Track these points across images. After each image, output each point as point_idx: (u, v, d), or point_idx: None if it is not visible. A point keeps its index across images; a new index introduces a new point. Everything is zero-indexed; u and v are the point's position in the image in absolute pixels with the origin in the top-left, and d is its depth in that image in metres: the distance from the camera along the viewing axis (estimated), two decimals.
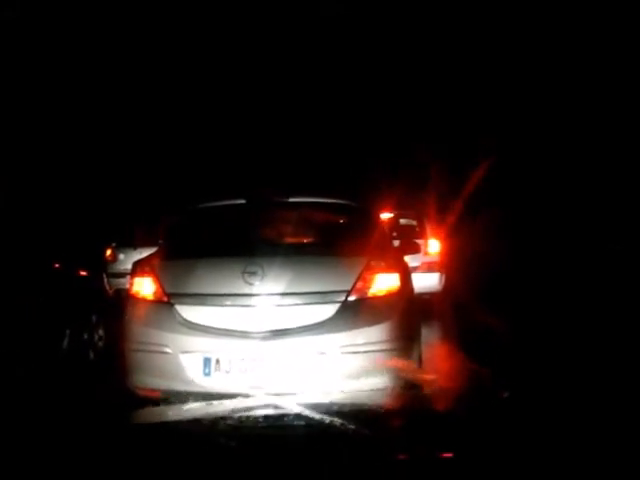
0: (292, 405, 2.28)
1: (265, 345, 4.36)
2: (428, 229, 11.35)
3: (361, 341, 4.38)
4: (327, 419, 2.10)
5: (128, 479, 1.81)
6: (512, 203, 19.16)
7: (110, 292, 11.13)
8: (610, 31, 17.43)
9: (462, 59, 19.40)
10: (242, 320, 4.44)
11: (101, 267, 12.33)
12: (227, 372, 4.36)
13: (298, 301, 4.47)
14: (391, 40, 19.28)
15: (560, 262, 15.00)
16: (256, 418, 2.20)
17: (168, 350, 4.46)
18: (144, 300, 4.71)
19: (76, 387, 5.30)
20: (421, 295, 7.67)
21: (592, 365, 5.60)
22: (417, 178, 16.53)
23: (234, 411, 2.29)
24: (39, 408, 3.62)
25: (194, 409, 2.80)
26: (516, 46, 18.65)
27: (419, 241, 8.02)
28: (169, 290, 4.61)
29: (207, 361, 4.38)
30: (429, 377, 4.62)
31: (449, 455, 1.92)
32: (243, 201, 5.29)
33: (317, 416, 2.13)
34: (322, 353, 4.35)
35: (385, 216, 8.70)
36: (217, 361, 4.37)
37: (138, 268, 4.88)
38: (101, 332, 7.90)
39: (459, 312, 9.12)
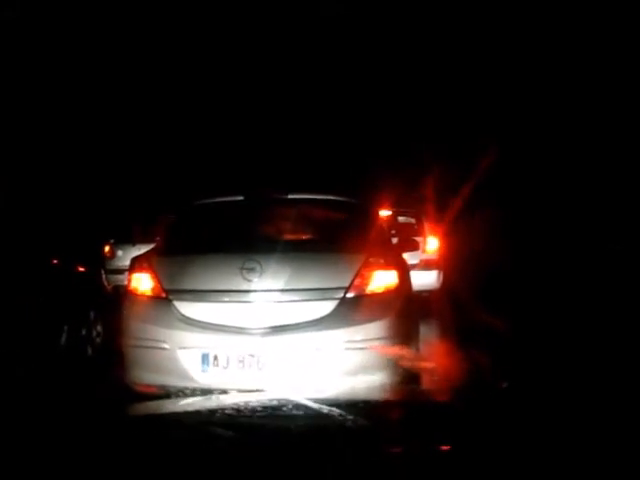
0: (290, 399, 2.28)
1: (263, 341, 4.37)
2: (426, 227, 11.36)
3: (359, 337, 4.39)
4: (325, 413, 2.10)
5: (126, 473, 1.81)
6: (511, 202, 19.18)
7: (108, 288, 11.14)
8: (610, 31, 17.43)
9: (462, 58, 19.39)
10: (240, 316, 4.45)
11: (99, 263, 12.32)
12: (225, 368, 4.37)
13: (296, 297, 4.48)
14: (391, 40, 19.29)
15: (559, 261, 15.01)
16: (253, 410, 2.20)
17: (166, 346, 4.47)
18: (142, 296, 4.72)
19: (74, 383, 5.30)
20: (419, 293, 7.68)
21: (590, 360, 5.61)
22: (416, 176, 16.53)
23: (231, 404, 2.30)
24: (37, 404, 3.62)
25: (191, 403, 2.81)
26: (516, 46, 18.65)
27: (417, 239, 8.03)
28: (167, 286, 4.62)
29: (205, 357, 4.38)
30: (427, 372, 4.63)
31: (447, 448, 1.92)
32: (241, 198, 5.31)
33: (315, 409, 2.14)
34: (320, 349, 4.36)
35: (384, 214, 8.71)
36: (215, 357, 4.38)
37: (136, 264, 4.89)
38: (99, 328, 7.91)
39: (457, 309, 9.13)
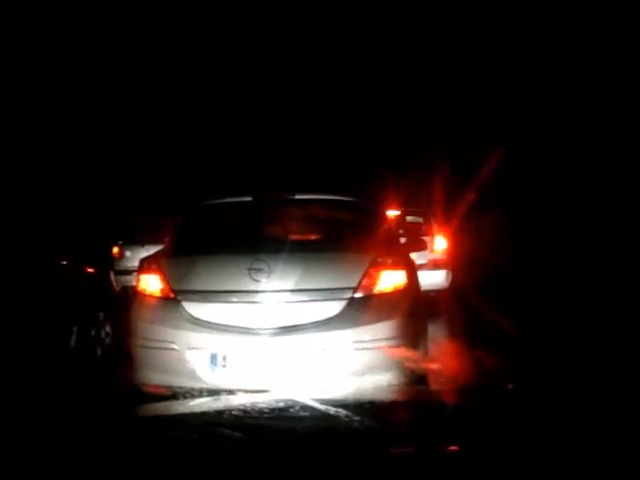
0: (297, 400, 2.29)
1: (271, 341, 4.38)
2: (435, 226, 11.34)
3: (368, 338, 4.38)
4: (332, 413, 2.10)
5: (134, 474, 1.82)
6: (512, 202, 19.14)
7: (117, 289, 11.17)
8: (610, 30, 17.36)
9: (466, 54, 19.32)
10: (248, 317, 4.46)
11: (108, 264, 12.36)
12: (233, 368, 4.38)
13: (304, 298, 4.49)
14: (391, 40, 19.24)
15: (560, 262, 14.97)
16: (261, 411, 2.21)
17: (175, 346, 4.48)
18: (151, 297, 4.73)
19: (84, 383, 5.32)
20: (427, 292, 7.66)
21: (597, 361, 5.59)
22: (424, 176, 16.51)
23: (239, 405, 2.30)
24: (46, 404, 3.64)
25: (199, 404, 2.81)
26: (522, 44, 18.58)
27: (426, 238, 8.01)
28: (176, 287, 4.63)
29: (213, 357, 4.39)
30: (435, 372, 4.62)
31: (455, 448, 1.92)
32: (249, 198, 5.31)
33: (322, 410, 2.14)
34: (328, 350, 4.36)
35: (392, 213, 8.70)
36: (223, 357, 4.39)
37: (145, 265, 4.90)
38: (108, 329, 7.93)
39: (465, 309, 9.11)
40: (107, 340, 7.91)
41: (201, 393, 3.88)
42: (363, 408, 2.21)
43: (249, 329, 4.43)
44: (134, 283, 5.06)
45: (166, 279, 4.66)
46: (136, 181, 18.08)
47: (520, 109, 19.66)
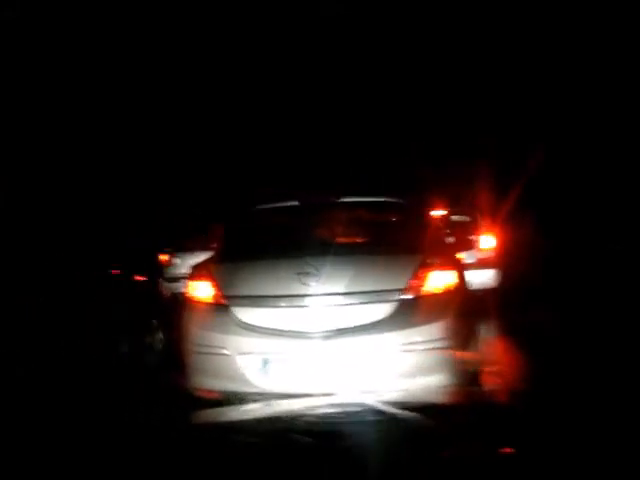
0: (353, 402, 2.29)
1: (322, 345, 4.39)
2: (482, 225, 11.21)
3: (418, 339, 4.37)
4: (387, 414, 2.10)
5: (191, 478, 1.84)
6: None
7: (166, 296, 11.32)
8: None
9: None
10: (298, 321, 4.49)
11: (157, 272, 12.53)
12: (284, 372, 4.40)
13: (353, 300, 4.49)
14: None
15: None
16: (319, 415, 2.22)
17: (226, 352, 4.53)
18: (202, 303, 4.80)
19: (142, 389, 5.41)
20: (475, 292, 7.60)
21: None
22: (469, 174, 16.35)
23: (297, 410, 2.31)
24: (108, 411, 3.71)
25: (256, 409, 2.83)
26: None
27: (473, 237, 7.94)
28: (226, 293, 4.68)
29: (265, 362, 4.43)
30: (487, 373, 4.58)
31: (509, 451, 1.90)
32: (296, 203, 5.35)
33: (379, 411, 2.14)
34: (379, 352, 4.35)
35: (438, 213, 8.64)
36: (275, 362, 4.42)
37: (196, 272, 4.98)
38: (161, 335, 8.06)
39: (514, 308, 8.98)
40: (160, 346, 8.03)
41: (254, 398, 3.92)
42: (418, 410, 2.20)
43: (299, 333, 4.45)
44: (183, 290, 5.13)
45: (217, 285, 4.72)
46: (183, 188, 18.26)
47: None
